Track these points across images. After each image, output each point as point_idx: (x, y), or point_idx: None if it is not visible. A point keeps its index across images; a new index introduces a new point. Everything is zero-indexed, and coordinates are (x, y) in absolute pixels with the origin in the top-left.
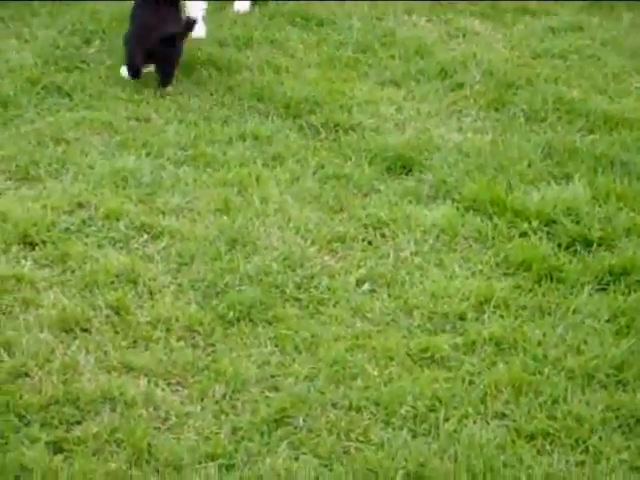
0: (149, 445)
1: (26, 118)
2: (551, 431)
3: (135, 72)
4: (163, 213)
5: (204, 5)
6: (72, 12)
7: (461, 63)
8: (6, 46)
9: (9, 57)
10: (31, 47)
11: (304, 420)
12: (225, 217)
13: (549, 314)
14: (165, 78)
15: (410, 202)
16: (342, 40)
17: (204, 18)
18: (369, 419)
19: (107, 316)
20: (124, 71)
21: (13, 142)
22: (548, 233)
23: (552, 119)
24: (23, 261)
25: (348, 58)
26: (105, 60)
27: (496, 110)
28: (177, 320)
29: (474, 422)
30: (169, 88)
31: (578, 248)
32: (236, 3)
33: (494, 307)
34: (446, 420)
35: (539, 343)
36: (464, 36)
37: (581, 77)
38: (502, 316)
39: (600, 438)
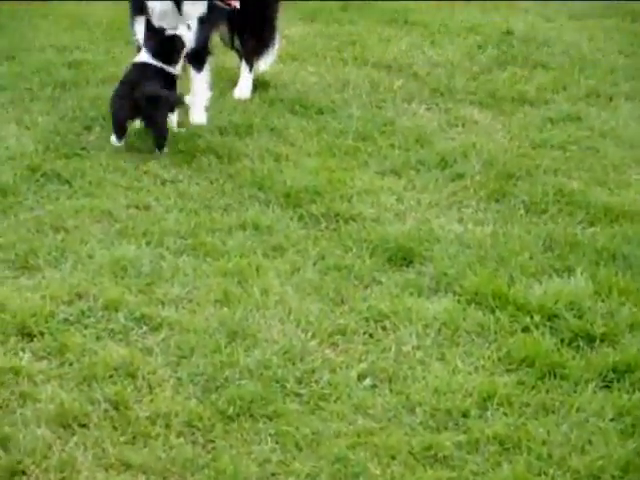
0: None
1: (25, 206)
2: None
3: (119, 130)
4: (163, 304)
5: (209, 94)
6: (73, 98)
7: (461, 153)
8: (6, 132)
9: (9, 144)
10: (31, 133)
11: None
12: (225, 308)
13: (553, 412)
14: (157, 140)
15: (411, 294)
16: (342, 128)
17: (207, 107)
18: None
19: (106, 411)
20: (113, 139)
21: (12, 230)
22: (551, 328)
23: (553, 211)
24: (21, 353)
25: (348, 147)
26: (105, 147)
27: (496, 201)
28: (176, 415)
29: None
30: (165, 150)
31: (581, 344)
32: (236, 90)
33: (497, 404)
34: None
35: (543, 442)
36: (464, 125)
37: (581, 168)
38: (505, 414)
39: None
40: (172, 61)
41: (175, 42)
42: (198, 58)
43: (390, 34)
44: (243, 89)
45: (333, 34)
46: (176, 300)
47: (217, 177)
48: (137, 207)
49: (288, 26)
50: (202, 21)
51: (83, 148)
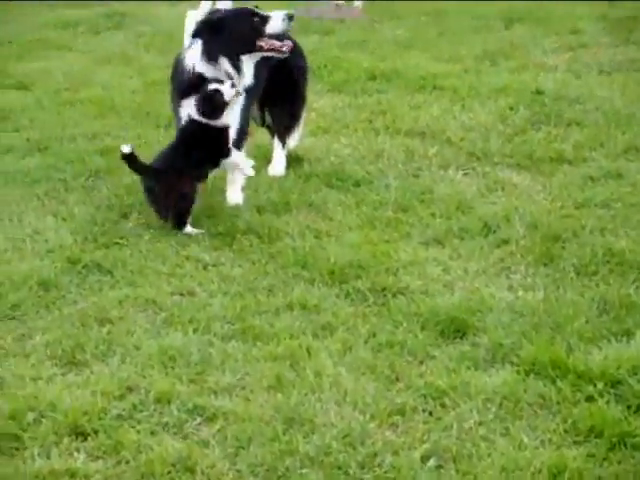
0: None
1: (68, 299)
2: None
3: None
4: (215, 393)
5: (247, 174)
6: (108, 186)
7: (503, 217)
8: (44, 225)
9: (48, 237)
10: (69, 225)
11: None
12: (279, 394)
13: None
14: (173, 218)
15: (468, 368)
16: (380, 200)
17: (243, 187)
18: None
19: None
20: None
21: (57, 325)
22: (615, 395)
23: (604, 272)
24: (76, 453)
25: (388, 218)
26: (144, 234)
27: (545, 265)
28: None
29: None
30: (186, 229)
31: None
32: (271, 167)
33: (569, 479)
34: None
35: None
36: (503, 189)
37: (627, 226)
38: None
39: None
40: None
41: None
42: (237, 136)
43: (420, 101)
44: (277, 166)
45: (363, 104)
46: (228, 388)
47: (259, 258)
48: (181, 294)
49: (317, 98)
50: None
51: (122, 236)
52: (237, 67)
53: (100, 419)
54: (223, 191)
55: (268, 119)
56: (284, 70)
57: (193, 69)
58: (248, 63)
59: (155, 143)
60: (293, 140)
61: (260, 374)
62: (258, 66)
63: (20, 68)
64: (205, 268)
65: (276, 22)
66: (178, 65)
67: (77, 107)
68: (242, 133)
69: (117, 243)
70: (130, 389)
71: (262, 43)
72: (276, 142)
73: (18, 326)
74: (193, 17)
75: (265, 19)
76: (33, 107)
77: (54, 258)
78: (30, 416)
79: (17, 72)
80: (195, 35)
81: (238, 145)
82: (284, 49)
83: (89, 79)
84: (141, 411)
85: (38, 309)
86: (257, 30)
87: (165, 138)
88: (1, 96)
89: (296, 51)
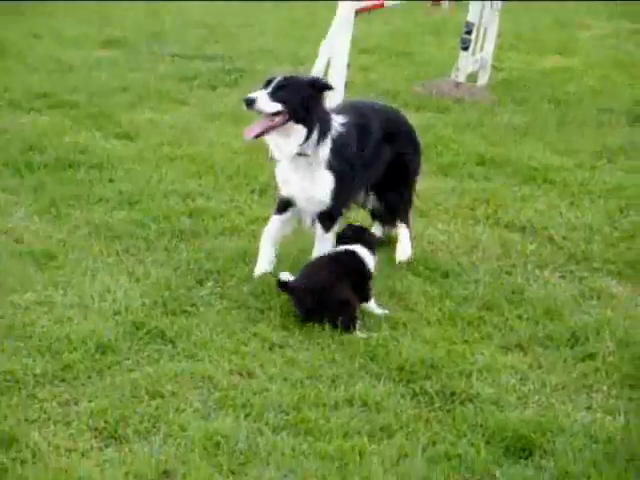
0: None
1: (124, 366)
2: None
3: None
4: None
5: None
6: (189, 249)
7: (594, 329)
8: (115, 284)
9: (117, 297)
10: (141, 286)
11: None
12: None
13: None
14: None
15: None
16: (467, 295)
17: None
18: None
19: None
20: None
21: (106, 394)
22: None
23: None
24: None
25: (471, 316)
26: (216, 304)
27: (630, 387)
28: None
29: None
30: (356, 333)
31: None
32: (399, 252)
33: None
34: None
35: None
36: (599, 298)
37: None
38: None
39: None
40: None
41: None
42: (330, 215)
43: (526, 192)
44: (407, 249)
45: (466, 190)
46: None
47: (328, 343)
48: (240, 374)
49: (420, 179)
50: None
51: (193, 304)
52: None
53: None
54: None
55: (373, 203)
56: (399, 154)
57: None
58: None
59: (246, 209)
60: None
61: (305, 473)
62: (378, 145)
63: (129, 117)
64: (271, 348)
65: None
66: None
67: (176, 163)
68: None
69: (186, 311)
70: (167, 474)
71: None
72: (401, 226)
73: (66, 390)
74: None
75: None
76: (133, 159)
77: (118, 320)
78: None
79: (125, 121)
80: None
81: (331, 224)
82: None
83: (195, 135)
84: None
85: (90, 374)
86: None
87: (258, 205)
88: (104, 144)
89: (411, 134)
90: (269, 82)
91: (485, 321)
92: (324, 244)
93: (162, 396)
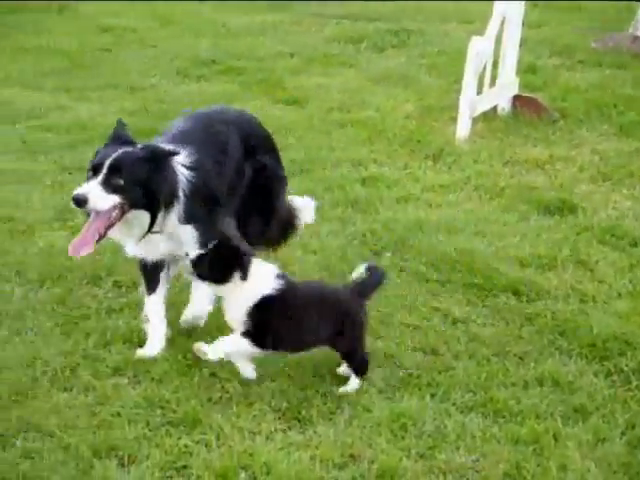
0: None
1: None
2: None
3: None
4: (444, 474)
5: None
6: (365, 219)
7: None
8: (292, 257)
9: (294, 270)
10: (317, 259)
11: None
12: None
13: None
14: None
15: None
16: None
17: None
18: None
19: None
20: None
21: (287, 373)
22: None
23: None
24: None
25: None
26: (394, 277)
27: None
28: None
29: None
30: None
31: None
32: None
33: None
34: None
35: None
36: None
37: None
38: None
39: None
40: None
41: None
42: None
43: None
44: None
45: None
46: (460, 469)
47: (514, 318)
48: (424, 351)
49: (600, 141)
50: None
51: None
52: None
53: None
54: (479, 241)
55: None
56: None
57: None
58: None
59: (422, 177)
60: None
61: (497, 457)
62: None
63: (297, 82)
64: (454, 324)
65: None
66: None
67: (347, 129)
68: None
69: None
70: (353, 458)
71: None
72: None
73: None
74: (477, 45)
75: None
76: (303, 125)
77: None
78: (242, 476)
79: (293, 86)
80: None
81: None
82: None
83: (363, 99)
84: None
85: None
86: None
87: (432, 171)
88: (273, 111)
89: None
90: (98, 166)
91: None
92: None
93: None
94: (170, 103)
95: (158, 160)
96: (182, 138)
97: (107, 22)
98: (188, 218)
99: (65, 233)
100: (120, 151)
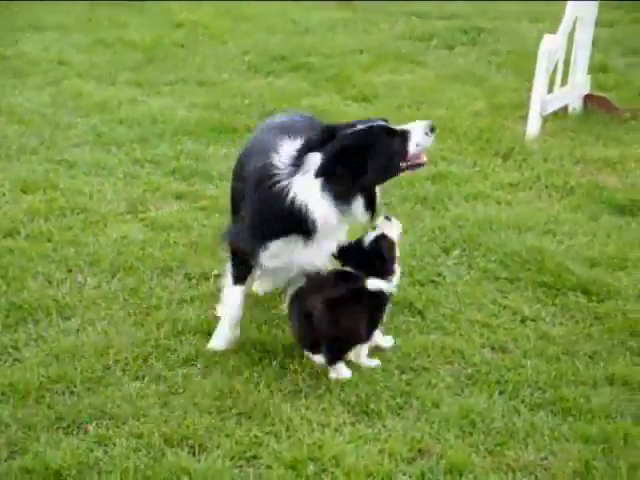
0: None
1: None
2: None
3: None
4: (513, 471)
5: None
6: (434, 215)
7: None
8: None
9: None
10: None
11: None
12: None
13: None
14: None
15: None
16: None
17: None
18: None
19: None
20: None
21: (355, 367)
22: None
23: None
24: None
25: None
26: (463, 274)
27: None
28: None
29: None
30: (331, 375)
31: None
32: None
33: None
34: None
35: None
36: None
37: None
38: None
39: None
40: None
41: None
42: None
43: None
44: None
45: None
46: (529, 467)
47: (584, 317)
48: (492, 348)
49: None
50: None
51: (439, 274)
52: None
53: None
54: (549, 239)
55: None
56: None
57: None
58: None
59: (491, 175)
60: None
61: (567, 456)
62: None
63: (367, 79)
64: (523, 322)
65: (419, 138)
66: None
67: None
68: None
69: (433, 281)
70: (422, 452)
71: (403, 164)
72: None
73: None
74: (548, 42)
75: (405, 136)
76: None
77: None
78: (311, 468)
79: (362, 83)
80: (320, 170)
81: None
82: (424, 160)
83: (433, 97)
84: None
85: None
86: (399, 153)
87: (502, 169)
88: (343, 107)
89: None
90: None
91: None
92: None
93: (414, 370)
94: (241, 98)
95: None
96: None
97: (181, 18)
98: None
99: (137, 225)
100: None
